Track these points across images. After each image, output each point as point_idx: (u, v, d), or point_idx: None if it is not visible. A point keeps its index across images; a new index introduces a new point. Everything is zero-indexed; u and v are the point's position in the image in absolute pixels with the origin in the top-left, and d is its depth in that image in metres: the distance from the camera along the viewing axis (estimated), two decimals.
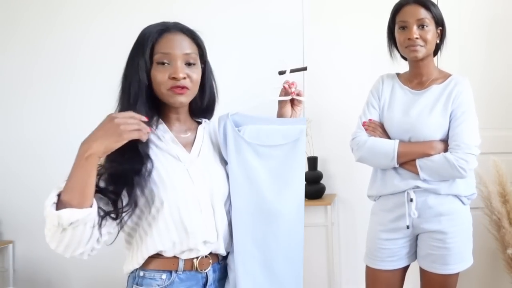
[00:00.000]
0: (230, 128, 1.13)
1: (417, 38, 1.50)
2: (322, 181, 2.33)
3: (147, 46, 1.07)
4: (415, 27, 1.50)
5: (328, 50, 2.40)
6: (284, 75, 1.23)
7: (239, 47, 2.35)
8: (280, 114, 1.23)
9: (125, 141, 0.94)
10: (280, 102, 1.21)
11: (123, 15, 2.49)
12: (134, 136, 0.94)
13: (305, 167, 1.15)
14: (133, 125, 0.94)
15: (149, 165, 1.03)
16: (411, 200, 1.50)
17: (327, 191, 2.36)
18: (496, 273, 2.27)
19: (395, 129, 1.55)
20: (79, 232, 0.96)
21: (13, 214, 2.57)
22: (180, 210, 1.05)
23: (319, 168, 2.34)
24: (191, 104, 1.16)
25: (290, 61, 2.44)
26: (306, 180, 2.22)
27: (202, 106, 1.18)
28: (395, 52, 1.63)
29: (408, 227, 1.51)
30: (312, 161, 2.31)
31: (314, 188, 2.27)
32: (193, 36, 1.12)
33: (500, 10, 2.33)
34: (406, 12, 1.52)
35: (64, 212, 0.94)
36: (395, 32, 1.56)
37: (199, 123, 1.20)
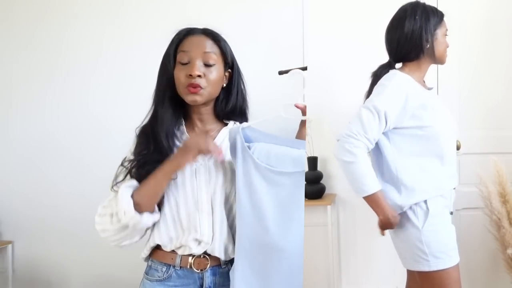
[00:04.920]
0: (239, 144, 1.10)
1: None
2: (322, 181, 2.33)
3: (172, 47, 1.15)
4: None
5: (329, 49, 2.40)
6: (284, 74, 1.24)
7: (239, 46, 2.34)
8: (300, 135, 1.22)
9: (194, 157, 1.06)
10: (302, 123, 1.21)
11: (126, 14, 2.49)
12: (206, 152, 1.06)
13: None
14: (201, 141, 1.06)
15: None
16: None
17: (327, 191, 2.35)
18: (496, 273, 2.27)
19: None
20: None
21: (13, 214, 2.57)
22: (179, 207, 1.11)
23: (319, 168, 2.34)
24: (215, 106, 1.21)
25: (290, 60, 2.45)
26: (306, 180, 2.22)
27: (228, 109, 1.22)
28: None
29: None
30: (312, 161, 2.30)
31: (314, 188, 2.27)
32: (216, 39, 1.17)
33: (500, 10, 2.33)
34: None
35: (145, 216, 1.07)
36: None
37: (227, 124, 1.23)
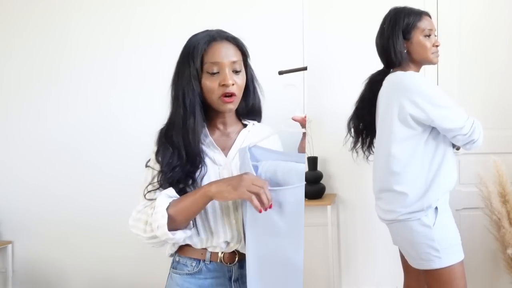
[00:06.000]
0: (247, 164, 1.09)
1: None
2: (322, 181, 2.33)
3: (197, 56, 1.13)
4: None
5: (329, 49, 2.40)
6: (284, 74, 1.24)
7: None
8: (301, 148, 1.25)
9: (240, 197, 1.02)
10: (302, 135, 1.23)
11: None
12: (251, 198, 1.00)
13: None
14: (256, 188, 1.00)
15: (203, 169, 1.13)
16: None
17: (327, 191, 2.35)
18: (496, 273, 2.27)
19: None
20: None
21: (13, 214, 2.57)
22: (207, 211, 1.13)
23: (319, 168, 2.34)
24: (237, 107, 1.21)
25: (290, 60, 2.46)
26: (306, 180, 2.22)
27: (248, 108, 1.24)
28: None
29: None
30: (312, 161, 2.30)
31: (314, 188, 2.27)
32: (238, 44, 1.18)
33: (499, 10, 2.33)
34: None
35: (178, 234, 1.07)
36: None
37: (246, 125, 1.25)
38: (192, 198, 1.06)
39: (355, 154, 1.80)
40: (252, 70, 1.24)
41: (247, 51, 1.20)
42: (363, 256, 2.44)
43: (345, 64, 2.37)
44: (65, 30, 2.52)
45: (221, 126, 1.21)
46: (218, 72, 1.13)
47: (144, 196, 1.13)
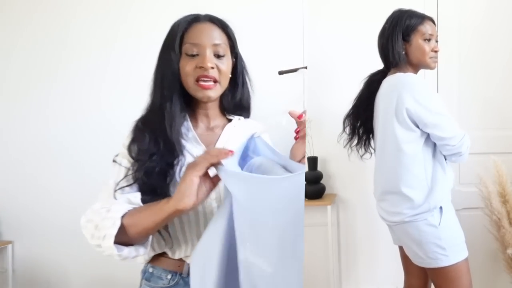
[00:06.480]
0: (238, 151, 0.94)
1: None
2: (322, 181, 2.33)
3: (177, 37, 1.03)
4: None
5: (329, 49, 2.40)
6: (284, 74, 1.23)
7: (239, 46, 2.34)
8: (299, 151, 1.05)
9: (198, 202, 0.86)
10: (301, 138, 1.06)
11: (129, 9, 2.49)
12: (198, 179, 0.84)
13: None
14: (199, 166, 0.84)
15: (182, 161, 0.99)
16: None
17: (327, 191, 2.35)
18: (496, 273, 2.27)
19: None
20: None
21: (13, 214, 2.57)
22: (183, 221, 1.01)
23: (319, 168, 2.34)
24: (222, 99, 1.11)
25: (290, 60, 2.45)
26: (306, 180, 2.22)
27: (234, 102, 1.13)
28: None
29: None
30: (312, 161, 2.31)
31: (314, 188, 2.27)
32: (224, 26, 1.08)
33: (499, 10, 2.33)
34: None
35: (127, 251, 0.89)
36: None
37: (231, 120, 1.13)
38: (154, 207, 0.88)
39: (350, 151, 1.81)
40: (243, 62, 1.14)
41: (234, 36, 1.09)
42: (363, 256, 2.44)
43: (345, 64, 2.37)
44: (66, 31, 2.52)
45: (204, 119, 1.09)
46: (197, 55, 1.02)
47: (114, 193, 0.97)
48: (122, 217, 0.88)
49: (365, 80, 1.74)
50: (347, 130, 1.80)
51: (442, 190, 1.53)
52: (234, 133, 1.11)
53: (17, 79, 2.57)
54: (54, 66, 2.53)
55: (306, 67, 1.33)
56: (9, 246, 2.55)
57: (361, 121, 1.77)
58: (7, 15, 2.56)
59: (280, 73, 1.17)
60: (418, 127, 1.52)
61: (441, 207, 1.52)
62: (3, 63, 2.58)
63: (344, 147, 1.81)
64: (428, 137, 1.54)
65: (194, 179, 0.84)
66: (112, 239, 0.86)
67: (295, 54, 2.34)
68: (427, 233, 1.51)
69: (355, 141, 1.80)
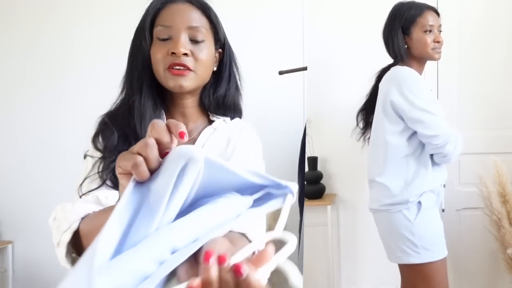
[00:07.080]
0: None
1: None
2: (322, 181, 2.32)
3: (148, 20, 0.90)
4: None
5: (329, 49, 2.40)
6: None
7: (239, 46, 2.34)
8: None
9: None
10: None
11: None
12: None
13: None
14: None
15: None
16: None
17: (327, 191, 2.35)
18: (496, 273, 2.27)
19: None
20: None
21: (13, 214, 2.57)
22: None
23: (319, 168, 2.34)
24: (202, 95, 0.95)
25: (290, 60, 2.45)
26: (306, 180, 2.22)
27: (216, 99, 0.95)
28: None
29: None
30: (312, 161, 2.30)
31: (314, 188, 2.27)
32: (204, 8, 0.93)
33: (499, 9, 2.33)
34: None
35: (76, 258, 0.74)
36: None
37: (211, 122, 0.96)
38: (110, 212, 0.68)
39: (364, 144, 1.82)
40: (233, 54, 0.99)
41: (217, 19, 0.94)
42: (363, 256, 2.44)
43: (346, 64, 2.37)
44: (66, 31, 2.52)
45: (180, 120, 0.91)
46: (170, 39, 0.88)
47: (78, 190, 0.84)
48: (82, 218, 0.71)
49: (376, 75, 1.75)
50: (361, 124, 1.80)
51: (421, 186, 1.52)
52: (213, 138, 0.93)
53: (17, 79, 2.57)
54: (53, 66, 2.53)
55: (306, 68, 1.33)
56: (9, 246, 2.55)
57: (372, 115, 1.78)
58: (5, 15, 2.56)
59: (280, 73, 1.17)
60: (403, 120, 1.52)
61: (420, 203, 1.51)
62: (3, 63, 2.58)
63: (358, 140, 1.82)
64: (415, 134, 1.54)
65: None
66: (65, 247, 0.69)
67: (295, 54, 2.35)
68: (401, 226, 1.52)
69: (369, 135, 1.80)
